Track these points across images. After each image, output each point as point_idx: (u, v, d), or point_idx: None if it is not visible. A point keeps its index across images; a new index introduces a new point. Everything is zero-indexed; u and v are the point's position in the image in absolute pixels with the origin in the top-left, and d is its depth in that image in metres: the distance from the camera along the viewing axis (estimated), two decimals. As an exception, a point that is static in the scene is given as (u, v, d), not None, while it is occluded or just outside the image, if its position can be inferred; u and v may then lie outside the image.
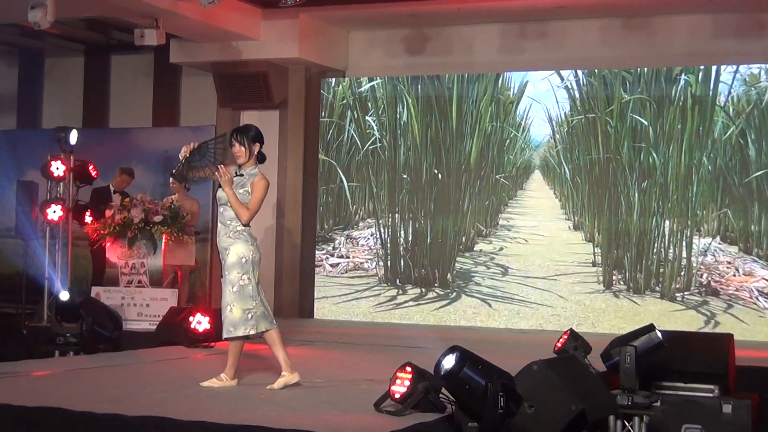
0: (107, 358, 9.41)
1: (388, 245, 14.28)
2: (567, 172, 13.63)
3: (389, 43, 14.57)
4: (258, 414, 6.08)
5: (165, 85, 15.94)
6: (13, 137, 16.20)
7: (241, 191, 7.35)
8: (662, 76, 13.02)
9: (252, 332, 7.35)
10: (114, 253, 12.16)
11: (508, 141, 13.96)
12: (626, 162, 13.20)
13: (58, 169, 12.42)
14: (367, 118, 14.44)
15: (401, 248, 14.21)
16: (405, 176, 14.23)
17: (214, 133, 14.77)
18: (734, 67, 12.74)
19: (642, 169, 13.11)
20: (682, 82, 12.90)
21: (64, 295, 10.38)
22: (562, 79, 13.54)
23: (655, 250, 13.01)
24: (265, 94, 14.45)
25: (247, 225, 7.38)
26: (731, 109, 12.80)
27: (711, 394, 7.58)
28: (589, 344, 8.23)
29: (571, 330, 8.50)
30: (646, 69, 13.10)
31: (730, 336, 8.16)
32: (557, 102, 13.60)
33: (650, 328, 7.07)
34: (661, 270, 12.97)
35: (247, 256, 7.34)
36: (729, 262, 12.73)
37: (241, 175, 7.40)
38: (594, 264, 13.35)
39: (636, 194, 13.14)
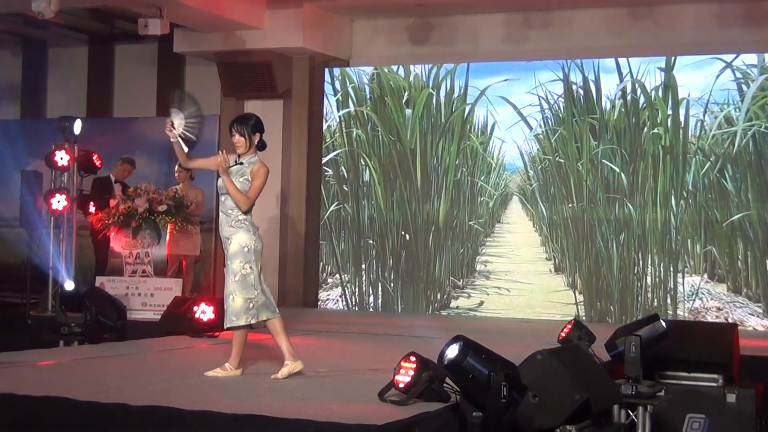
0: (111, 347, 9.42)
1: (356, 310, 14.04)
2: (543, 210, 13.46)
3: (393, 32, 14.53)
4: (262, 403, 6.09)
5: (169, 74, 15.92)
6: (17, 127, 16.20)
7: (241, 179, 7.34)
8: (631, 127, 12.92)
9: (253, 321, 7.35)
10: (118, 243, 12.17)
11: (478, 185, 13.76)
12: (602, 213, 13.09)
13: (62, 158, 12.41)
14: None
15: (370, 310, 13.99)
16: (371, 241, 14.12)
17: (218, 123, 14.82)
18: (702, 108, 12.65)
19: (618, 220, 12.99)
20: (651, 135, 12.83)
21: (69, 285, 10.39)
22: (530, 128, 13.46)
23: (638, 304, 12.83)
24: (268, 83, 14.44)
25: (247, 213, 7.37)
26: (706, 147, 12.66)
27: (715, 384, 7.58)
28: (593, 334, 8.22)
29: (576, 319, 8.50)
30: (615, 115, 13.01)
31: (734, 325, 8.16)
32: (527, 143, 13.55)
33: (654, 317, 7.06)
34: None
35: (249, 245, 7.33)
36: (719, 308, 12.51)
37: (241, 163, 7.39)
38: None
39: (614, 246, 13.00)
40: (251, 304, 7.31)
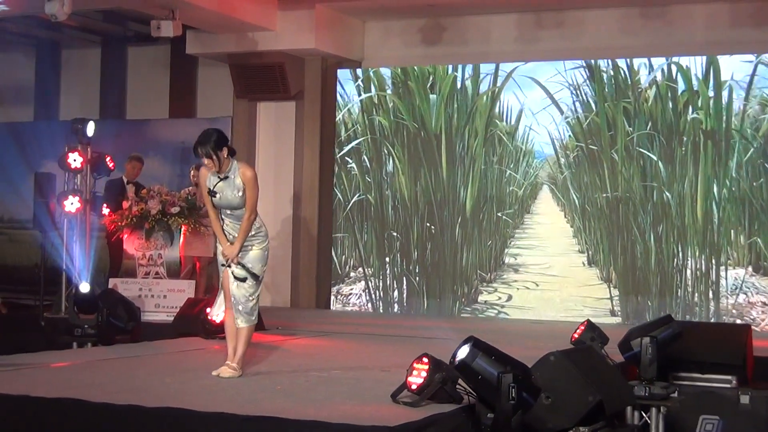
0: (125, 349, 9.43)
1: (380, 306, 13.89)
2: (575, 199, 13.11)
3: (405, 34, 14.54)
4: (275, 405, 6.09)
5: (181, 76, 15.96)
6: (30, 129, 16.26)
7: (237, 194, 7.30)
8: (668, 112, 12.56)
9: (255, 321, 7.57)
10: (131, 245, 12.19)
11: (507, 174, 13.47)
12: (638, 203, 12.72)
13: (75, 160, 12.44)
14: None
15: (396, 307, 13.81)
16: (395, 233, 13.97)
17: (231, 125, 14.84)
18: (743, 92, 12.32)
19: (656, 208, 12.62)
20: (691, 119, 12.48)
21: (85, 287, 10.39)
22: (561, 112, 13.17)
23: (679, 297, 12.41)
24: (281, 85, 14.46)
25: (256, 219, 7.45)
26: (749, 131, 12.28)
27: (729, 385, 7.57)
28: (606, 335, 8.21)
29: (588, 321, 8.48)
30: (650, 100, 12.71)
31: (748, 327, 8.14)
32: (558, 130, 13.22)
33: (668, 319, 7.05)
34: (687, 317, 12.13)
35: (267, 249, 7.49)
36: (764, 303, 12.05)
37: (226, 177, 7.30)
38: (612, 313, 12.76)
39: (652, 237, 12.60)
40: (257, 305, 7.54)
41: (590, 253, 13.08)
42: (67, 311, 11.26)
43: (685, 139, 12.58)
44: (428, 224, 13.81)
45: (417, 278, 13.78)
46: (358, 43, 14.76)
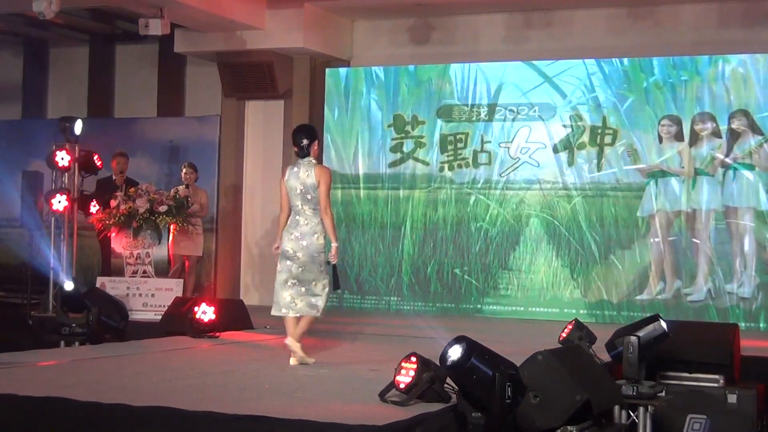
0: (112, 348, 9.42)
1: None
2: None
3: (394, 33, 14.54)
4: (263, 404, 6.09)
5: (170, 74, 15.93)
6: (18, 127, 16.22)
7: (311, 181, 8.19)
8: None
9: None
10: (119, 243, 12.17)
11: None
12: None
13: (63, 159, 12.40)
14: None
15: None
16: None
17: (219, 124, 14.83)
18: None
19: None
20: None
21: (69, 285, 10.37)
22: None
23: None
24: (269, 83, 14.45)
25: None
26: None
27: (716, 384, 7.58)
28: (594, 334, 8.24)
29: (576, 320, 8.51)
30: None
31: (735, 326, 8.16)
32: None
33: (655, 318, 7.06)
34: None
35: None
36: None
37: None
38: None
39: None
40: None
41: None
42: (55, 310, 11.24)
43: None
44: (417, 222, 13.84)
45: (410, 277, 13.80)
46: (347, 42, 14.76)
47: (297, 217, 8.19)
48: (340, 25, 14.62)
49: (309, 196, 8.14)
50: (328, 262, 8.18)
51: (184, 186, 12.56)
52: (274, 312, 8.22)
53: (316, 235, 8.12)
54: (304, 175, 8.15)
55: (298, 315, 8.12)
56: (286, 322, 8.14)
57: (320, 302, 8.14)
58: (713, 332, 8.06)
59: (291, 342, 8.01)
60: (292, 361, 7.97)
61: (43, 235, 12.74)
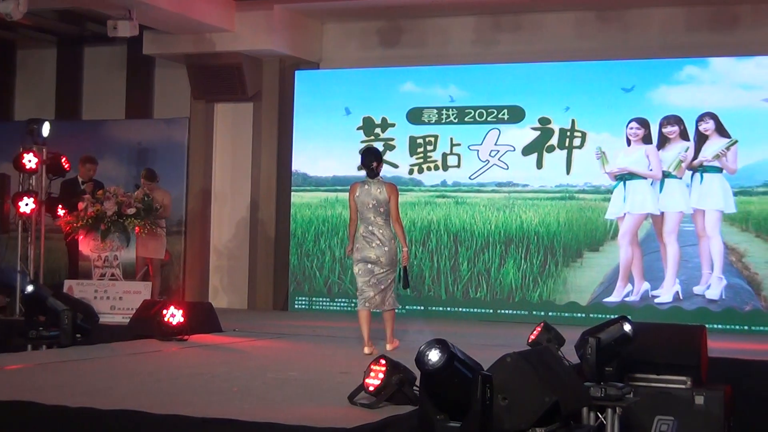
0: (80, 351, 9.34)
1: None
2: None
3: (364, 35, 14.55)
4: (232, 407, 6.06)
5: (138, 76, 15.86)
6: (-15, 129, 16.08)
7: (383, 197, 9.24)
8: None
9: None
10: (87, 246, 12.09)
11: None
12: None
13: (30, 161, 12.31)
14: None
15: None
16: None
17: (188, 126, 14.78)
18: None
19: None
20: None
21: (29, 288, 10.29)
22: None
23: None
24: (239, 86, 14.43)
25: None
26: None
27: (683, 386, 7.63)
28: (563, 336, 8.26)
29: (545, 322, 8.53)
30: None
31: (702, 328, 8.20)
32: None
33: (619, 319, 7.06)
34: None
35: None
36: None
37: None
38: None
39: None
40: None
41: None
42: (22, 314, 11.15)
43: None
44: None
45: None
46: (317, 45, 14.75)
47: (371, 227, 9.23)
48: (309, 27, 14.61)
49: (381, 209, 9.22)
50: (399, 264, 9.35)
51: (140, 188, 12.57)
52: (360, 307, 9.30)
53: (393, 241, 9.26)
54: (376, 191, 9.21)
55: (379, 310, 9.37)
56: (361, 316, 9.26)
57: (393, 296, 9.41)
58: (681, 334, 8.09)
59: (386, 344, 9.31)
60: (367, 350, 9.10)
61: (10, 238, 12.64)
